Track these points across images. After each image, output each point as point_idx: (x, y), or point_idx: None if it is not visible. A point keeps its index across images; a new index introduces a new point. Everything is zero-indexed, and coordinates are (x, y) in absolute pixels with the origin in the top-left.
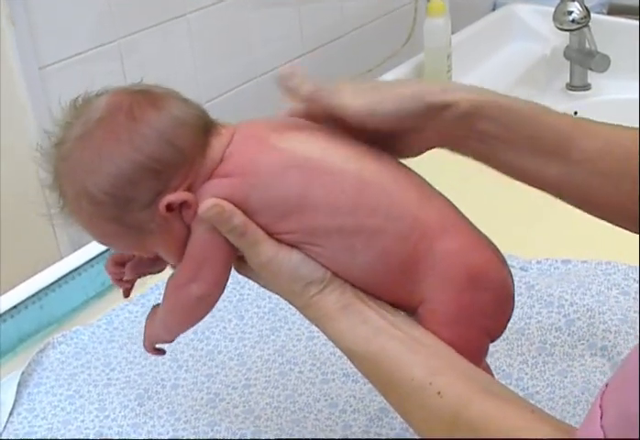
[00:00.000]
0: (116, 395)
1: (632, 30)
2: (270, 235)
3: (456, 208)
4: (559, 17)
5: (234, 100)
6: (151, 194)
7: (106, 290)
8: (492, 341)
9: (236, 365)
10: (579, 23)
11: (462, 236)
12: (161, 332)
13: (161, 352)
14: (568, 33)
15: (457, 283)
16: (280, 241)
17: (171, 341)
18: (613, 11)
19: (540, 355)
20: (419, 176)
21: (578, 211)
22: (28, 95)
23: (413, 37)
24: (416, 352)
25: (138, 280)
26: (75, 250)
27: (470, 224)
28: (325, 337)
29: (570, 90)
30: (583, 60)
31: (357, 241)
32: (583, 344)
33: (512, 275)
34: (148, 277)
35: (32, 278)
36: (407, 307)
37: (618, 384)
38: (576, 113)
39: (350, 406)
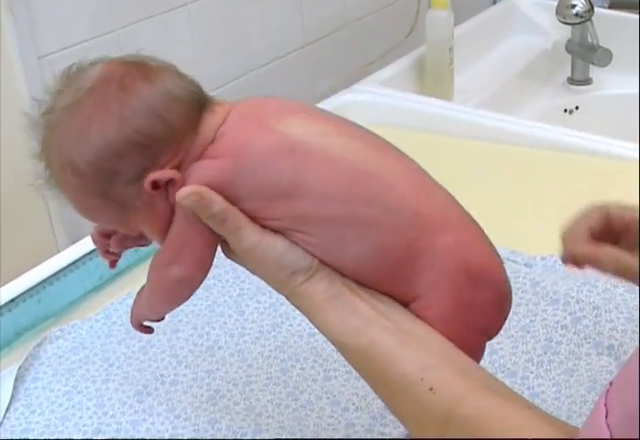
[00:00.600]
0: (115, 391)
1: (634, 25)
2: (257, 220)
3: (458, 203)
4: (562, 11)
5: (234, 91)
6: (137, 169)
7: (105, 283)
8: (488, 340)
9: (236, 361)
10: (582, 17)
11: (464, 233)
12: (146, 310)
13: (149, 330)
14: (569, 27)
15: (456, 280)
16: (266, 227)
17: (158, 320)
18: (615, 5)
19: (546, 353)
20: (422, 169)
21: (582, 206)
22: (27, 85)
23: (416, 29)
24: (408, 344)
25: (138, 273)
26: (73, 243)
27: (473, 220)
28: None
29: (571, 84)
30: (585, 55)
31: (347, 232)
32: (589, 342)
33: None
34: (145, 272)
35: (29, 271)
36: (400, 301)
37: (622, 383)
38: (577, 108)
39: (353, 404)
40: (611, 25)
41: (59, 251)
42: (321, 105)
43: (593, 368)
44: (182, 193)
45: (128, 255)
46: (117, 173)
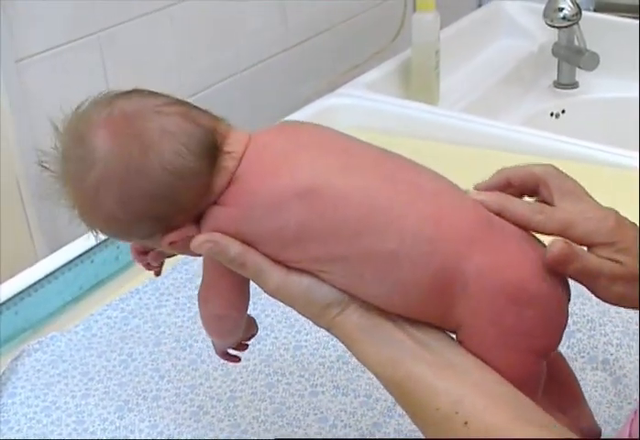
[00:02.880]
0: (95, 407)
1: (621, 28)
2: (279, 262)
3: (487, 215)
4: (550, 14)
5: (216, 95)
6: (150, 233)
7: (84, 294)
8: (547, 358)
9: (220, 375)
10: (569, 20)
11: (493, 249)
12: (213, 340)
13: (235, 359)
14: (556, 30)
15: (494, 304)
16: (291, 267)
17: (234, 346)
18: (600, 8)
19: None
20: (446, 183)
21: None
22: (5, 89)
23: (401, 32)
24: (444, 377)
25: (119, 283)
26: (52, 252)
27: (508, 230)
28: (314, 347)
29: (558, 88)
30: (572, 58)
31: (365, 270)
32: (584, 357)
33: (566, 282)
34: (128, 279)
35: (6, 282)
36: (445, 329)
37: None
38: (563, 111)
39: (341, 421)
40: (598, 28)
41: (38, 260)
42: (305, 109)
43: (588, 384)
44: (196, 243)
45: (108, 265)
46: (131, 235)
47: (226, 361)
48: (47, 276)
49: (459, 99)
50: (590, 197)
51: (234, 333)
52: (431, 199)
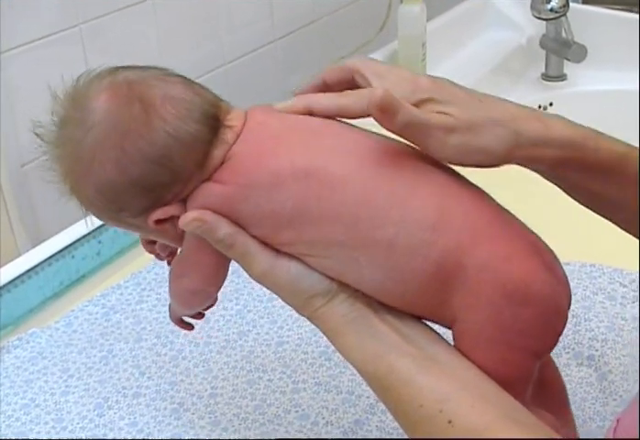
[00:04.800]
0: (74, 404)
1: (609, 20)
2: (269, 245)
3: (493, 206)
4: (537, 6)
5: None
6: (142, 208)
7: (65, 289)
8: (541, 359)
9: (201, 372)
10: (557, 12)
11: (496, 245)
12: (175, 308)
13: (189, 326)
14: (544, 22)
15: (493, 300)
16: (280, 252)
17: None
18: (588, 0)
19: None
20: (447, 169)
21: (558, 211)
22: None
23: (387, 24)
24: (428, 373)
25: (100, 278)
26: (34, 246)
27: (513, 226)
28: (296, 343)
29: (545, 80)
30: (559, 50)
31: (360, 255)
32: (569, 353)
33: (566, 281)
34: (109, 275)
35: None
36: (441, 323)
37: (632, 422)
38: (551, 104)
39: (323, 418)
40: (585, 20)
41: (20, 255)
42: None
43: (573, 380)
44: (185, 219)
45: (89, 260)
46: (122, 209)
47: (183, 329)
48: (27, 271)
49: None
50: (398, 67)
51: (203, 305)
52: (435, 186)
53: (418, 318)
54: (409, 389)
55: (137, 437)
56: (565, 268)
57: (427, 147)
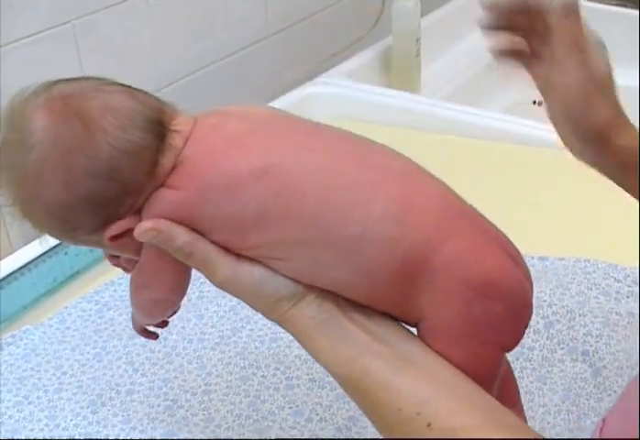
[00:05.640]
0: (68, 401)
1: (605, 16)
2: (231, 250)
3: (456, 199)
4: None
5: (195, 84)
6: (96, 225)
7: (58, 286)
8: (508, 352)
9: (195, 368)
10: None
11: (462, 239)
12: (138, 319)
13: (153, 335)
14: None
15: (461, 296)
16: (242, 256)
17: (157, 326)
18: None
19: (517, 359)
20: (416, 169)
21: (551, 206)
22: None
23: (381, 19)
24: (405, 374)
25: (94, 275)
26: (26, 244)
27: (476, 220)
28: (290, 339)
29: None
30: None
31: (324, 255)
32: (563, 348)
33: (529, 276)
34: (103, 272)
35: None
36: (405, 321)
37: (618, 422)
38: None
39: (317, 415)
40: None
41: (13, 252)
42: (284, 98)
43: (567, 376)
44: (140, 230)
45: (83, 256)
46: (77, 228)
47: (147, 338)
48: (20, 268)
49: (441, 87)
50: None
51: (166, 314)
52: (399, 181)
53: (387, 315)
54: (386, 392)
55: (131, 434)
56: (559, 263)
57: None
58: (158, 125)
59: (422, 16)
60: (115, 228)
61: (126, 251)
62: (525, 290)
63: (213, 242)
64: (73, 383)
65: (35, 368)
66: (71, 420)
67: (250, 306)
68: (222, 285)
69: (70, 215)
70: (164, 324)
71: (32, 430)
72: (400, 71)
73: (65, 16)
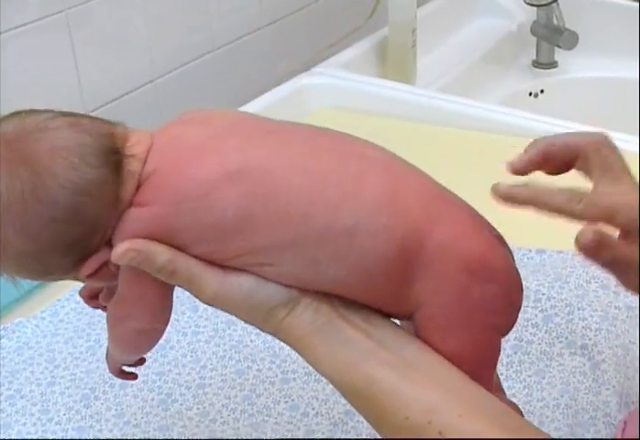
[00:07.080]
0: (61, 395)
1: (601, 7)
2: (215, 262)
3: (439, 188)
4: None
5: (189, 74)
6: (69, 265)
7: None
8: (502, 337)
9: (189, 362)
10: None
11: (456, 226)
12: (117, 357)
13: (131, 376)
14: (535, 8)
15: (458, 280)
16: (227, 268)
17: (135, 365)
18: None
19: (516, 353)
20: (398, 160)
21: None
22: None
23: (377, 10)
24: (412, 381)
25: None
26: None
27: (467, 209)
28: None
29: (536, 67)
30: (551, 37)
31: (319, 253)
32: (562, 342)
33: (514, 258)
34: None
35: None
36: (401, 315)
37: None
38: (542, 91)
39: (313, 409)
40: (577, 7)
41: None
42: (280, 89)
43: (566, 370)
44: (117, 253)
45: None
46: (50, 273)
47: (125, 380)
48: None
49: (437, 78)
50: (629, 173)
51: (152, 346)
52: (384, 170)
53: (384, 315)
54: (393, 400)
55: (125, 428)
56: (557, 255)
57: (620, 279)
58: (111, 153)
59: (418, 6)
60: (90, 267)
61: (106, 281)
62: (516, 270)
63: (194, 256)
64: (66, 377)
65: (27, 361)
66: (64, 414)
67: (244, 320)
68: (211, 301)
69: (40, 263)
70: (141, 361)
71: (25, 424)
72: (396, 61)
73: (58, 5)
